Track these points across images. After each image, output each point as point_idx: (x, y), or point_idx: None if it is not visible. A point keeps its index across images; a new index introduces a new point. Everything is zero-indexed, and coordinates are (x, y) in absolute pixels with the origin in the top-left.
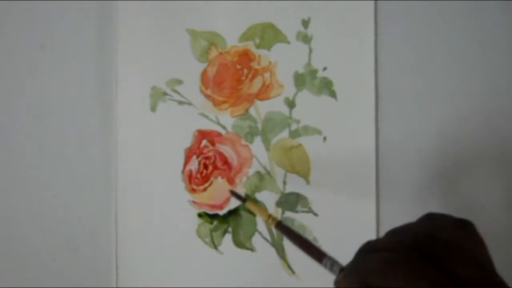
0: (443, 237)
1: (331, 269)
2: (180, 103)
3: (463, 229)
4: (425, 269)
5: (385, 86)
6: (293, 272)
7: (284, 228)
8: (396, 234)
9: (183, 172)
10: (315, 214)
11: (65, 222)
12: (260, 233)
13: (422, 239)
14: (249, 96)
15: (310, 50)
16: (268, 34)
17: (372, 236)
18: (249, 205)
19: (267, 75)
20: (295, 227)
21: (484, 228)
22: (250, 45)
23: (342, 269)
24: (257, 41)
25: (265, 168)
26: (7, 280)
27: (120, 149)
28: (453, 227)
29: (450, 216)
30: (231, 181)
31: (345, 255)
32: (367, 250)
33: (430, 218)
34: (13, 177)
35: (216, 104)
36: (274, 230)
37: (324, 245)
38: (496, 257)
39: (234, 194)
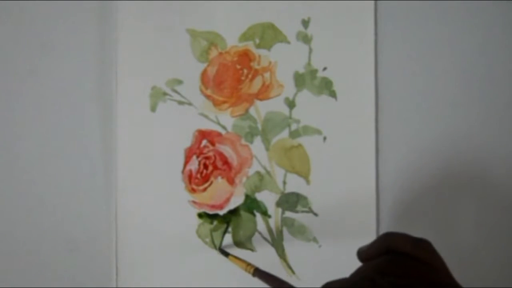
0: (393, 271)
1: None
2: (180, 103)
3: (421, 247)
4: None
5: (385, 86)
6: (293, 272)
7: (262, 274)
8: (352, 275)
9: (183, 172)
10: (315, 214)
11: (65, 222)
12: (260, 233)
13: (375, 276)
14: (249, 96)
15: (310, 50)
16: (268, 34)
17: (372, 237)
18: (232, 259)
19: (267, 75)
20: (295, 227)
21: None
22: (250, 45)
23: None
24: (257, 41)
25: (265, 168)
26: (7, 280)
27: (120, 149)
28: (411, 246)
29: (408, 236)
30: (231, 181)
31: (345, 255)
32: (328, 283)
33: (384, 246)
34: (13, 177)
35: (216, 104)
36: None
37: (324, 245)
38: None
39: (221, 251)
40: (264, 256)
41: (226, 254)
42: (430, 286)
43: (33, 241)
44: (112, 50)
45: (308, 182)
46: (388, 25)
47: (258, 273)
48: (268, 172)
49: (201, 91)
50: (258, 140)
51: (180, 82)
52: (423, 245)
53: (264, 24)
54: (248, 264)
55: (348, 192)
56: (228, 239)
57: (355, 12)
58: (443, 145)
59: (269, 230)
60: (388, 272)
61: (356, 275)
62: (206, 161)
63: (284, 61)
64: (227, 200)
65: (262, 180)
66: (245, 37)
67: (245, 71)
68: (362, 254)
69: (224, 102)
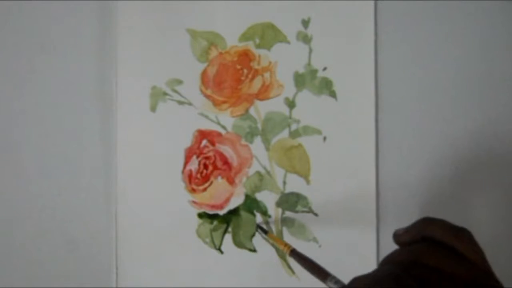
0: (426, 261)
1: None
2: (180, 103)
3: (460, 237)
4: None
5: (385, 86)
6: (293, 272)
7: (298, 255)
8: (384, 263)
9: (183, 172)
10: (315, 214)
11: (65, 222)
12: (260, 233)
13: (408, 265)
14: (249, 96)
15: (310, 50)
16: (268, 34)
17: (372, 237)
18: (270, 236)
19: (267, 75)
20: (295, 227)
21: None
22: (250, 45)
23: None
24: (257, 41)
25: (265, 168)
26: (7, 280)
27: (120, 149)
28: (448, 235)
29: (447, 223)
30: (231, 181)
31: (345, 255)
32: (356, 278)
33: (423, 231)
34: (13, 177)
35: (216, 104)
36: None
37: (324, 245)
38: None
39: (259, 227)
40: (264, 256)
41: (265, 231)
42: (460, 283)
43: (33, 241)
44: (112, 50)
45: (308, 182)
46: (388, 25)
47: (294, 254)
48: (268, 172)
49: (201, 91)
50: (258, 140)
51: (180, 82)
52: (461, 235)
53: (264, 24)
54: (286, 244)
55: (348, 192)
56: (228, 239)
57: (355, 12)
58: (443, 145)
59: (269, 230)
60: (419, 262)
61: (385, 267)
62: (206, 161)
63: (284, 61)
64: (227, 200)
65: (262, 180)
66: (245, 37)
67: (245, 71)
68: (398, 237)
69: (224, 102)
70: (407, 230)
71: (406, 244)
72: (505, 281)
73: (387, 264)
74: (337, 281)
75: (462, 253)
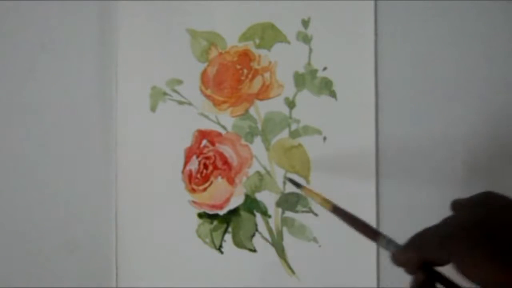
0: (499, 219)
1: (386, 247)
2: (180, 103)
3: None
4: (484, 243)
5: (385, 86)
6: (293, 272)
7: (340, 211)
8: (454, 210)
9: (183, 172)
10: (315, 214)
11: (65, 222)
12: (260, 233)
13: (482, 219)
14: (249, 96)
15: (310, 50)
16: (268, 34)
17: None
18: (305, 190)
19: (267, 75)
20: (295, 227)
21: None
22: (250, 45)
23: (398, 246)
24: (257, 41)
25: (265, 168)
26: (7, 280)
27: (120, 149)
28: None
29: (509, 198)
30: (231, 181)
31: (345, 255)
32: (425, 228)
33: (488, 198)
34: (13, 177)
35: (216, 104)
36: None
37: (324, 245)
38: None
39: (291, 181)
40: (264, 256)
41: (298, 185)
42: None
43: (33, 241)
44: (112, 50)
45: (308, 182)
46: (388, 25)
47: (336, 210)
48: (268, 172)
49: (201, 91)
50: (258, 140)
51: (180, 82)
52: None
53: (264, 24)
54: (325, 199)
55: (348, 192)
56: (228, 239)
57: (355, 12)
58: (443, 145)
59: (269, 230)
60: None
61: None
62: (206, 161)
63: (284, 61)
64: (227, 200)
65: (262, 180)
66: (245, 37)
67: (245, 71)
68: (457, 205)
69: (224, 102)
70: (468, 200)
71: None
72: None
73: (473, 207)
74: (389, 241)
75: None
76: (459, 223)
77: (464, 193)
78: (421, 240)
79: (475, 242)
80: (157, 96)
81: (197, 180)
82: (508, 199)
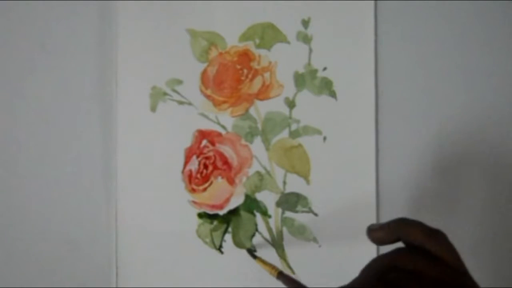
0: (403, 265)
1: None
2: (180, 103)
3: (433, 239)
4: None
5: (385, 86)
6: (293, 272)
7: (285, 278)
8: (364, 270)
9: (183, 172)
10: (315, 214)
11: (65, 222)
12: (260, 233)
13: (385, 271)
14: (249, 96)
15: (310, 50)
16: (268, 34)
17: None
18: (258, 262)
19: (267, 75)
20: (295, 227)
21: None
22: (250, 45)
23: None
24: (257, 41)
25: (265, 168)
26: (7, 280)
27: (120, 149)
28: (423, 237)
29: (421, 224)
30: (231, 181)
31: (345, 255)
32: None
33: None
34: (13, 177)
35: (216, 104)
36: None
37: (324, 245)
38: (499, 255)
39: (249, 251)
40: (264, 256)
41: (254, 256)
42: (437, 284)
43: (33, 240)
44: (112, 50)
45: (308, 182)
46: (388, 25)
47: (282, 276)
48: (268, 172)
49: (201, 91)
50: (258, 140)
51: (180, 82)
52: (436, 236)
53: (264, 24)
54: (273, 268)
55: (348, 192)
56: (228, 239)
57: (355, 12)
58: (443, 145)
59: (269, 230)
60: (396, 266)
61: (362, 275)
62: (206, 161)
63: (284, 61)
64: (227, 200)
65: (262, 180)
66: (245, 37)
67: (245, 71)
68: (372, 232)
69: (224, 102)
70: (382, 227)
71: (379, 241)
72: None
73: (364, 272)
74: None
75: (436, 255)
76: (362, 278)
77: (462, 189)
78: None
79: None
80: (157, 96)
81: (197, 180)
82: (421, 228)
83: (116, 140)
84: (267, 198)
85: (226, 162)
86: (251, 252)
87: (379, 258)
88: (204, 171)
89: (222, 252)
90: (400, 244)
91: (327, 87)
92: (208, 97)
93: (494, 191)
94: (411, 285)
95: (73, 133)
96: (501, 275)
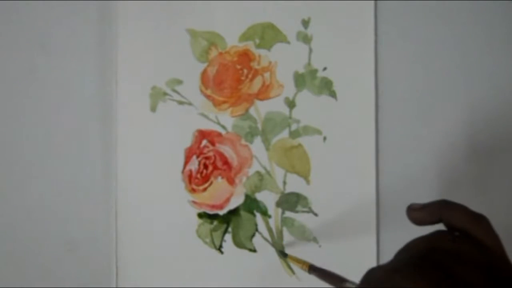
0: (444, 247)
1: None
2: (180, 103)
3: (478, 224)
4: (430, 274)
5: (385, 86)
6: (293, 272)
7: (317, 271)
8: (401, 252)
9: (183, 172)
10: (315, 214)
11: (65, 222)
12: (260, 233)
13: (427, 252)
14: (249, 96)
15: (310, 50)
16: (268, 34)
17: (372, 237)
18: (290, 259)
19: (267, 75)
20: (295, 227)
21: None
22: (250, 45)
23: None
24: (257, 41)
25: (265, 168)
26: (7, 280)
27: (120, 149)
28: (466, 221)
29: (465, 208)
30: (231, 181)
31: (345, 255)
32: (372, 269)
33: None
34: (13, 177)
35: (216, 104)
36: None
37: (324, 245)
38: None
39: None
40: (264, 256)
41: (284, 255)
42: (479, 268)
43: (33, 241)
44: (112, 50)
45: (308, 182)
46: (388, 25)
47: (313, 269)
48: (268, 172)
49: (201, 91)
50: (258, 140)
51: (180, 82)
52: (481, 221)
53: (264, 24)
54: (304, 262)
55: (348, 192)
56: (228, 239)
57: (355, 12)
58: (443, 145)
59: (269, 230)
60: (438, 248)
61: (403, 255)
62: (206, 161)
63: (284, 61)
64: (227, 200)
65: (262, 180)
66: (245, 37)
67: (245, 71)
68: (412, 212)
69: (224, 102)
70: (424, 207)
71: (419, 222)
72: None
73: (404, 252)
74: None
75: (479, 240)
76: (402, 259)
77: (462, 189)
78: (372, 277)
79: (421, 275)
80: (157, 96)
81: (197, 180)
82: (465, 212)
83: (116, 140)
84: (267, 198)
85: (226, 162)
86: (282, 252)
87: (419, 240)
88: (204, 171)
89: (222, 252)
90: (438, 227)
91: (327, 87)
92: (208, 97)
93: (496, 191)
94: (455, 266)
95: (73, 133)
96: None
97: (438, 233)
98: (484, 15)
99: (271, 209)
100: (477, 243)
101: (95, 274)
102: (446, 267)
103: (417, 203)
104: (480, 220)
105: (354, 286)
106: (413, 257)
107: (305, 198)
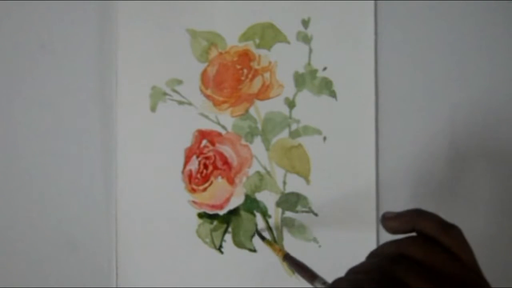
0: (413, 255)
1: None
2: (180, 103)
3: (449, 233)
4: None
5: (385, 86)
6: (293, 272)
7: (291, 260)
8: (370, 256)
9: (183, 172)
10: (315, 214)
11: (65, 222)
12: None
13: (395, 257)
14: (249, 96)
15: (310, 50)
16: (268, 34)
17: (372, 237)
18: (266, 243)
19: (267, 75)
20: (295, 227)
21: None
22: (250, 45)
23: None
24: (257, 41)
25: (265, 168)
26: (7, 280)
27: (120, 149)
28: (439, 230)
29: (438, 218)
30: (231, 181)
31: (345, 255)
32: (347, 273)
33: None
34: (13, 177)
35: (216, 104)
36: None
37: (324, 245)
38: (496, 258)
39: (258, 233)
40: (264, 256)
41: (262, 237)
42: (446, 278)
43: (33, 240)
44: (112, 50)
45: (308, 182)
46: (388, 25)
47: (288, 258)
48: (268, 172)
49: (201, 91)
50: (258, 140)
51: (180, 82)
52: (452, 231)
53: (264, 24)
54: (280, 250)
55: (348, 192)
56: (228, 239)
57: (355, 12)
58: (443, 145)
59: (269, 230)
60: (407, 255)
61: (372, 260)
62: (206, 161)
63: (284, 61)
64: (227, 200)
65: (262, 180)
66: (245, 37)
67: (245, 71)
68: (386, 221)
69: (224, 102)
70: (398, 216)
71: (393, 230)
72: (502, 280)
73: (374, 257)
74: (324, 282)
75: (450, 250)
76: (372, 262)
77: (462, 189)
78: (340, 278)
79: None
80: (157, 96)
81: (197, 180)
82: (438, 221)
83: (116, 140)
84: (267, 198)
85: (226, 162)
86: (260, 234)
87: (390, 244)
88: (204, 171)
89: (222, 252)
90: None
91: (327, 87)
92: (208, 97)
93: (496, 191)
94: (421, 273)
95: (73, 133)
96: (506, 275)
97: (411, 238)
98: (484, 15)
99: (271, 209)
100: (448, 253)
101: (95, 274)
102: (413, 274)
103: (391, 212)
104: (452, 229)
105: (323, 287)
106: (381, 261)
107: (305, 198)
